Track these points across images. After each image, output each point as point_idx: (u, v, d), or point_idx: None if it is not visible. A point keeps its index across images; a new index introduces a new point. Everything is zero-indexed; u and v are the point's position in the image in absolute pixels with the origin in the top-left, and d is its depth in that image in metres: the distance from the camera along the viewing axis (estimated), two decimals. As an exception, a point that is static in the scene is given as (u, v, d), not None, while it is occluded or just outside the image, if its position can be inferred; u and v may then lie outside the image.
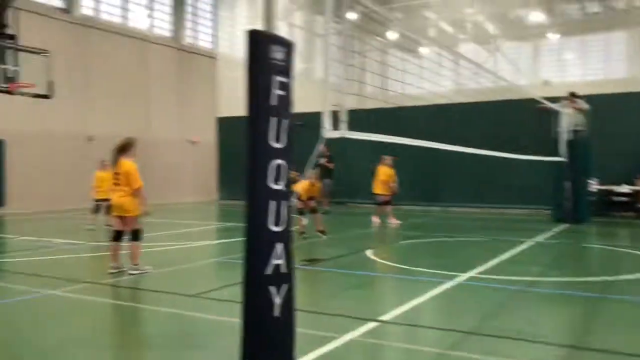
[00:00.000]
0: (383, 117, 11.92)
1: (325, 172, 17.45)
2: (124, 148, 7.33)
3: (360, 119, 9.39)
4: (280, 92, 3.68)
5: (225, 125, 24.23)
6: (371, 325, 4.99)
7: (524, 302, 6.03)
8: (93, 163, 21.32)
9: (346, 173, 21.29)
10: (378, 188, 13.91)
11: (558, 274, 7.67)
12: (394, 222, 13.59)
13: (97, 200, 12.89)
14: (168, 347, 4.56)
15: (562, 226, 13.44)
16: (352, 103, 6.59)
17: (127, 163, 7.24)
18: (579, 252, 10.09)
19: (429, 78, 10.06)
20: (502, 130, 15.98)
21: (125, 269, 7.28)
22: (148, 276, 7.32)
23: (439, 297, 6.13)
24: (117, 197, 7.28)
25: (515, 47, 30.53)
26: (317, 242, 10.56)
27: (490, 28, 29.93)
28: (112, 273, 7.18)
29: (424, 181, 19.72)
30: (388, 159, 14.11)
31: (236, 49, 27.78)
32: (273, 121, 3.64)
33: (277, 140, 3.68)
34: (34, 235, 12.02)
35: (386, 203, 13.87)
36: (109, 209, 11.75)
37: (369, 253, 9.25)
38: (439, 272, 7.49)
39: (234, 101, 22.28)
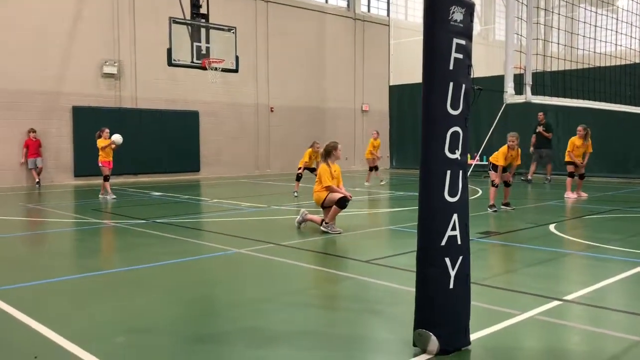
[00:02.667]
0: (571, 80, 10.85)
1: (542, 141, 16.53)
2: (328, 153, 8.42)
3: (544, 82, 8.68)
4: (459, 56, 3.50)
5: (398, 93, 24.13)
6: (553, 304, 4.65)
7: None
8: (275, 132, 22.78)
9: (523, 141, 20.00)
10: (568, 158, 12.87)
11: None
12: (582, 195, 12.52)
13: (300, 168, 13.50)
14: (347, 309, 4.72)
15: None
16: (536, 65, 6.09)
17: (322, 167, 8.36)
18: None
19: (627, 33, 8.91)
20: None
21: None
22: (323, 240, 7.65)
23: (632, 280, 5.50)
24: (315, 191, 8.50)
25: None
26: (495, 214, 10.10)
27: None
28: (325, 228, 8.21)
29: (616, 150, 17.79)
30: (580, 129, 12.91)
31: (410, 15, 27.34)
32: (450, 86, 3.49)
33: (454, 106, 3.52)
34: (225, 198, 13.21)
35: (571, 175, 12.79)
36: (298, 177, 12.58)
37: (551, 227, 8.62)
38: (633, 251, 6.72)
39: (407, 69, 22.09)
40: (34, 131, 16.86)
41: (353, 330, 4.11)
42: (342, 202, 8.17)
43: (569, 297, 4.84)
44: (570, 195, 12.59)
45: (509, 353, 3.64)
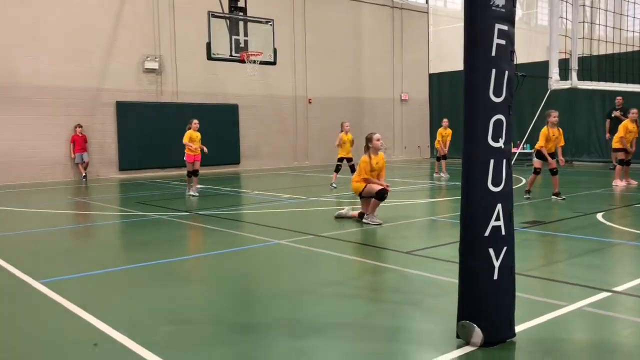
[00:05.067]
0: (620, 63, 10.43)
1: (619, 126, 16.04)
2: (366, 145, 8.40)
3: (591, 66, 8.37)
4: (501, 42, 3.41)
5: (438, 81, 23.78)
6: (602, 295, 4.51)
7: None
8: (314, 124, 22.80)
9: (568, 128, 19.46)
10: (616, 143, 12.40)
11: None
12: (632, 182, 12.11)
13: (340, 160, 13.38)
14: (388, 301, 4.69)
15: None
16: (582, 49, 5.88)
17: (362, 158, 8.33)
18: None
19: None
20: None
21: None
22: (363, 231, 7.63)
23: (689, 270, 5.29)
24: (353, 181, 8.56)
25: None
26: (540, 203, 9.87)
27: None
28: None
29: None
30: (635, 112, 12.41)
31: (449, 2, 26.86)
32: (493, 73, 3.40)
33: (497, 93, 3.43)
34: (265, 190, 13.31)
35: (621, 162, 12.33)
36: (352, 169, 12.58)
37: (599, 216, 8.36)
38: (689, 240, 6.46)
39: (446, 57, 21.73)
40: (81, 127, 17.34)
41: (394, 322, 4.09)
42: (381, 195, 8.13)
43: (618, 289, 4.69)
44: (618, 183, 12.17)
45: (555, 345, 3.55)
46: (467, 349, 3.45)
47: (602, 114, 18.20)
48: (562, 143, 10.29)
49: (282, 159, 22.05)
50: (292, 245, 6.82)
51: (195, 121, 12.35)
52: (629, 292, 4.64)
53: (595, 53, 11.45)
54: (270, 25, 14.88)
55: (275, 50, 14.91)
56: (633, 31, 9.61)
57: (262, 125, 21.53)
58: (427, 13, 24.47)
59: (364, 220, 8.16)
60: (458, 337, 3.56)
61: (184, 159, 12.42)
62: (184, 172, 19.36)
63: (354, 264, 6.12)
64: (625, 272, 5.53)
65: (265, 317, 4.26)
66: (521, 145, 20.50)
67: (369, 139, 8.35)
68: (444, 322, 3.89)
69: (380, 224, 8.02)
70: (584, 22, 4.98)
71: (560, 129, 10.23)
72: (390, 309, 4.41)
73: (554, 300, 4.35)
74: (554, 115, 9.90)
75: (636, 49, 9.54)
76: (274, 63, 15.20)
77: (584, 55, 5.93)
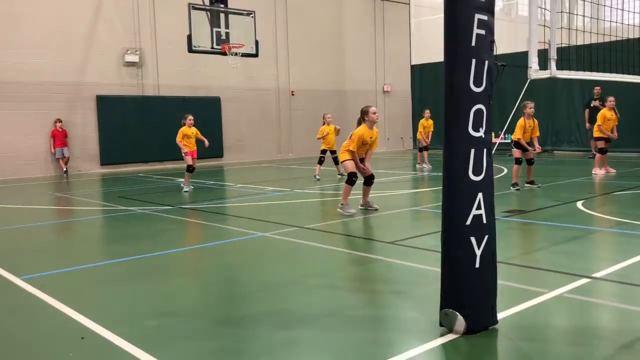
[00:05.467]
0: (597, 53, 10.57)
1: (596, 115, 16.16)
2: (362, 117, 8.16)
3: (569, 56, 8.51)
4: (481, 32, 3.44)
5: (420, 72, 23.85)
6: (582, 281, 4.59)
7: None
8: (297, 116, 22.76)
9: (548, 118, 19.69)
10: (596, 131, 12.55)
11: None
12: (610, 171, 12.29)
13: (322, 152, 13.38)
14: (373, 291, 4.73)
15: None
16: (561, 39, 5.96)
17: (360, 128, 8.09)
18: None
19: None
20: None
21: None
22: (347, 222, 7.66)
23: (666, 256, 5.40)
24: (343, 146, 8.32)
25: None
26: (521, 193, 9.98)
27: None
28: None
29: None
30: (612, 100, 12.57)
31: (430, -8, 26.87)
32: (473, 63, 3.43)
33: (477, 83, 3.46)
34: (248, 183, 13.28)
35: (601, 151, 12.50)
36: (335, 160, 12.50)
37: (579, 205, 8.49)
38: (666, 227, 6.59)
39: (428, 48, 21.80)
40: (61, 121, 17.12)
41: (379, 312, 4.13)
42: (350, 179, 8.16)
43: (598, 275, 4.77)
44: (598, 172, 12.35)
45: (537, 331, 3.61)
46: (450, 337, 3.49)
47: (581, 103, 18.42)
48: (537, 134, 10.53)
49: (265, 152, 22.00)
50: (276, 237, 6.83)
51: (190, 117, 11.83)
52: (608, 278, 4.72)
53: (574, 43, 11.58)
54: (252, 17, 14.80)
55: (257, 43, 14.84)
56: (610, 21, 9.71)
57: (245, 118, 21.45)
58: (409, 4, 24.49)
59: (338, 209, 8.18)
60: (441, 325, 3.61)
61: (183, 154, 11.74)
62: (166, 166, 19.11)
63: (339, 255, 6.15)
64: (604, 258, 5.63)
65: (250, 310, 4.27)
66: (502, 135, 20.70)
67: (365, 112, 8.08)
68: (427, 311, 3.93)
69: (351, 215, 7.99)
70: (562, 12, 5.04)
71: (536, 120, 10.42)
72: (375, 299, 4.45)
73: (535, 288, 4.42)
74: (530, 107, 10.12)
75: (614, 39, 9.64)
76: (255, 55, 15.13)
77: (563, 45, 5.99)
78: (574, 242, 6.25)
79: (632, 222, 7.05)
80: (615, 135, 12.50)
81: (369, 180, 8.34)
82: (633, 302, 4.25)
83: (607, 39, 9.47)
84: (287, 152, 22.79)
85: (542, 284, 4.52)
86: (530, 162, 10.50)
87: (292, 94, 22.70)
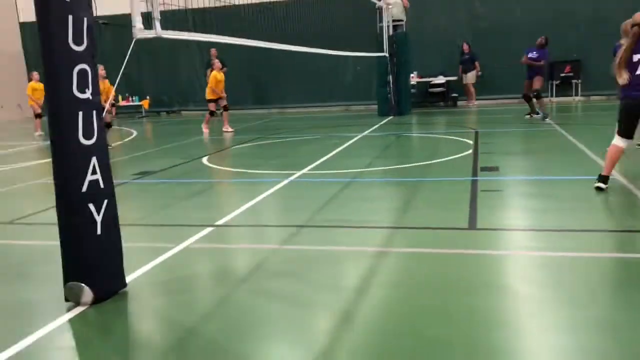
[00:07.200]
0: (209, 18, 11.29)
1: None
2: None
3: (184, 20, 8.84)
4: (75, -14, 3.23)
5: (32, 31, 21.46)
6: (207, 230, 4.95)
7: (353, 192, 6.39)
8: None
9: (173, 80, 20.42)
10: (209, 94, 13.38)
11: (383, 163, 8.22)
12: (229, 129, 13.43)
13: None
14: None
15: (387, 119, 14.34)
16: (174, 2, 6.14)
17: None
18: (401, 142, 10.88)
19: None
20: (329, 27, 16.17)
21: None
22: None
23: (274, 196, 6.26)
24: None
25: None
26: (147, 154, 10.10)
27: None
28: None
29: (258, 84, 19.61)
30: (217, 62, 13.55)
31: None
32: (70, 20, 3.21)
33: (78, 42, 3.27)
34: None
35: (212, 113, 13.44)
36: None
37: (204, 160, 9.08)
38: (275, 172, 7.62)
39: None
40: None
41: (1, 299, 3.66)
42: None
43: (222, 222, 5.21)
44: (205, 129, 13.15)
45: (169, 285, 3.74)
46: (78, 310, 3.33)
47: (203, 65, 19.53)
48: (109, 95, 10.21)
49: None
50: None
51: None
52: (231, 223, 5.21)
53: (189, 7, 12.08)
54: None
55: None
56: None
57: None
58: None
59: None
60: (68, 300, 3.41)
61: None
62: None
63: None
64: (227, 206, 6.17)
65: None
66: (130, 98, 20.51)
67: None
68: (53, 290, 3.65)
69: None
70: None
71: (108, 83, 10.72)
72: (-11, 289, 3.91)
73: (163, 244, 4.53)
74: (100, 69, 9.91)
75: (225, 3, 10.44)
76: None
77: (175, 8, 6.19)
78: (199, 195, 6.68)
79: (247, 171, 7.92)
80: (224, 94, 13.50)
81: None
82: (254, 240, 4.82)
83: (218, 4, 10.17)
84: None
85: (170, 239, 4.67)
86: (108, 125, 10.09)
87: None
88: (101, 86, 10.92)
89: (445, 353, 2.70)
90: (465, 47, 16.84)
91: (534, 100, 12.37)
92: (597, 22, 15.68)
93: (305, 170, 7.53)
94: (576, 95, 16.79)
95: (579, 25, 16.20)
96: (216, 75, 13.21)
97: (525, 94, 12.62)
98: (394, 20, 15.27)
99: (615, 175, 6.02)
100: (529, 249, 4.21)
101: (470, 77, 16.79)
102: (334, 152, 9.03)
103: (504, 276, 3.73)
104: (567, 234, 4.45)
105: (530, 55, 12.31)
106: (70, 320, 3.23)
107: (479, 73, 16.76)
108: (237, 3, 13.81)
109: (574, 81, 16.70)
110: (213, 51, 17.12)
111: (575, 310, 3.08)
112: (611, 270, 3.76)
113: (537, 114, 12.37)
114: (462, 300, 3.26)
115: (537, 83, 12.17)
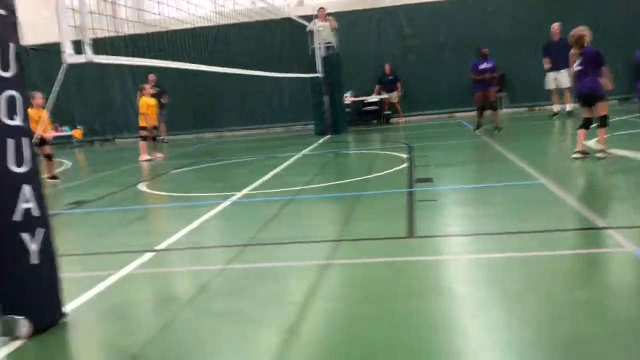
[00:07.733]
0: (144, 45, 11.16)
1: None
2: None
3: (118, 46, 8.73)
4: (1, 12, 3.18)
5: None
6: (148, 255, 4.86)
7: (294, 209, 6.45)
8: None
9: (106, 107, 19.99)
10: (141, 121, 12.98)
11: (322, 180, 8.35)
12: (158, 155, 13.04)
13: None
14: None
15: (324, 138, 14.55)
16: (106, 28, 6.08)
17: None
18: (339, 159, 11.08)
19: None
20: (263, 51, 16.34)
21: None
22: None
23: (215, 218, 6.23)
24: None
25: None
26: (82, 184, 9.82)
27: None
28: None
29: (195, 108, 19.43)
30: (147, 87, 13.32)
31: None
32: (-5, 46, 3.15)
33: (5, 68, 3.21)
34: None
35: (145, 138, 12.95)
36: None
37: (140, 187, 8.92)
38: (214, 194, 7.58)
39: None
40: None
41: None
42: None
43: (163, 246, 5.13)
44: (145, 158, 12.52)
45: (108, 313, 3.66)
46: (17, 344, 3.21)
47: (134, 92, 19.17)
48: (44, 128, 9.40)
49: None
50: None
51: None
52: (174, 247, 5.15)
53: (121, 33, 11.92)
54: None
55: None
56: (153, 13, 10.33)
57: None
58: None
59: None
60: (4, 335, 3.28)
61: None
62: None
63: None
64: (168, 230, 6.06)
65: None
66: (61, 129, 19.85)
67: None
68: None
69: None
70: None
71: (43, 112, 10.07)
72: None
73: (102, 272, 4.40)
74: (38, 97, 9.58)
75: (156, 30, 10.39)
76: None
77: (109, 35, 6.14)
78: (138, 221, 6.57)
79: (186, 194, 7.85)
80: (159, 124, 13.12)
81: None
82: (198, 262, 4.79)
83: (150, 30, 10.11)
84: None
85: (109, 266, 4.54)
86: (49, 157, 9.86)
87: None
88: (39, 115, 10.47)
89: (389, 357, 2.78)
90: (387, 68, 17.49)
91: (490, 111, 12.19)
92: (516, 38, 16.59)
93: (245, 191, 7.54)
94: (501, 108, 17.61)
95: (499, 43, 17.07)
96: (146, 101, 12.91)
97: (484, 105, 12.27)
98: (325, 43, 15.59)
99: (544, 181, 6.39)
100: (464, 253, 4.40)
101: (394, 97, 17.50)
102: (273, 172, 9.08)
103: (442, 280, 3.88)
104: (498, 237, 4.68)
105: (485, 66, 12.12)
106: (8, 356, 3.11)
107: (400, 92, 17.50)
108: (170, 29, 13.76)
109: (499, 94, 17.52)
110: (151, 77, 16.82)
111: (508, 308, 3.24)
112: (538, 267, 3.98)
113: (478, 128, 12.31)
114: (404, 306, 3.37)
115: (494, 94, 12.16)
